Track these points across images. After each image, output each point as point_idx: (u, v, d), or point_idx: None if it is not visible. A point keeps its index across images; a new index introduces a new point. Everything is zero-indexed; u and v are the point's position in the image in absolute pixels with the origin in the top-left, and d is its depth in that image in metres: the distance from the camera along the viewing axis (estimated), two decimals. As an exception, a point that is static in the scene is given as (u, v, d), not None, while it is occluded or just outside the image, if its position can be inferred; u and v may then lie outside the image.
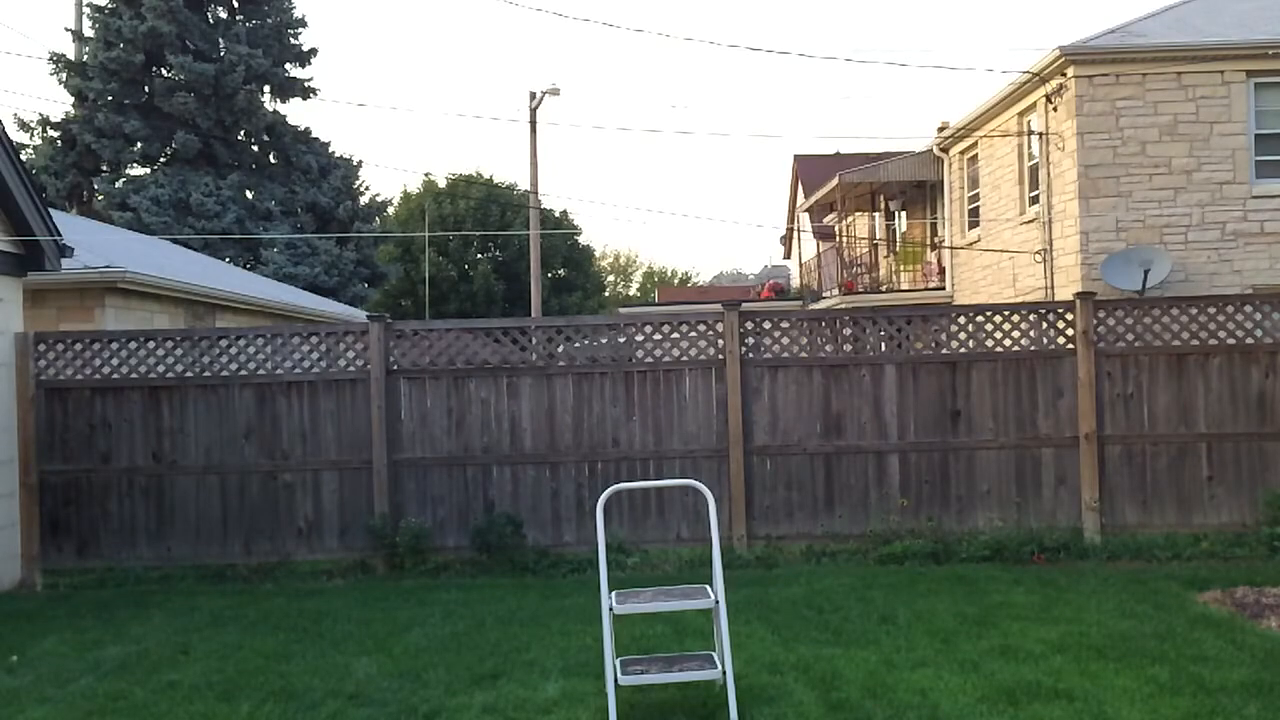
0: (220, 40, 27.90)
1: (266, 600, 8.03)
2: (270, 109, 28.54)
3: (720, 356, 9.09)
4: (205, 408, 9.11)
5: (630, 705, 5.15)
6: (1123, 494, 8.95)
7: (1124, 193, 14.67)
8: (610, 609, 5.05)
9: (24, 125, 27.44)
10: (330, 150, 29.75)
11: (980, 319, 9.21)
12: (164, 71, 27.27)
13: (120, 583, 8.80)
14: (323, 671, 5.96)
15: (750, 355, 9.11)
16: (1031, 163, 16.59)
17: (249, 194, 28.09)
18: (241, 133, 28.32)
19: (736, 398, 9.03)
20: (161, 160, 27.72)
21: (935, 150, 20.62)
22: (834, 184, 23.33)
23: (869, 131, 65.81)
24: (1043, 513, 8.95)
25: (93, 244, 12.48)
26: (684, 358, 9.14)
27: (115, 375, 9.12)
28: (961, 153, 19.71)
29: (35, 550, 9.03)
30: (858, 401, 9.08)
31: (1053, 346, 9.06)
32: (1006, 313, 9.23)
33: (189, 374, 9.14)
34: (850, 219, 26.53)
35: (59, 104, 37.37)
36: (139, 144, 27.18)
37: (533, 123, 23.63)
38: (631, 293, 65.47)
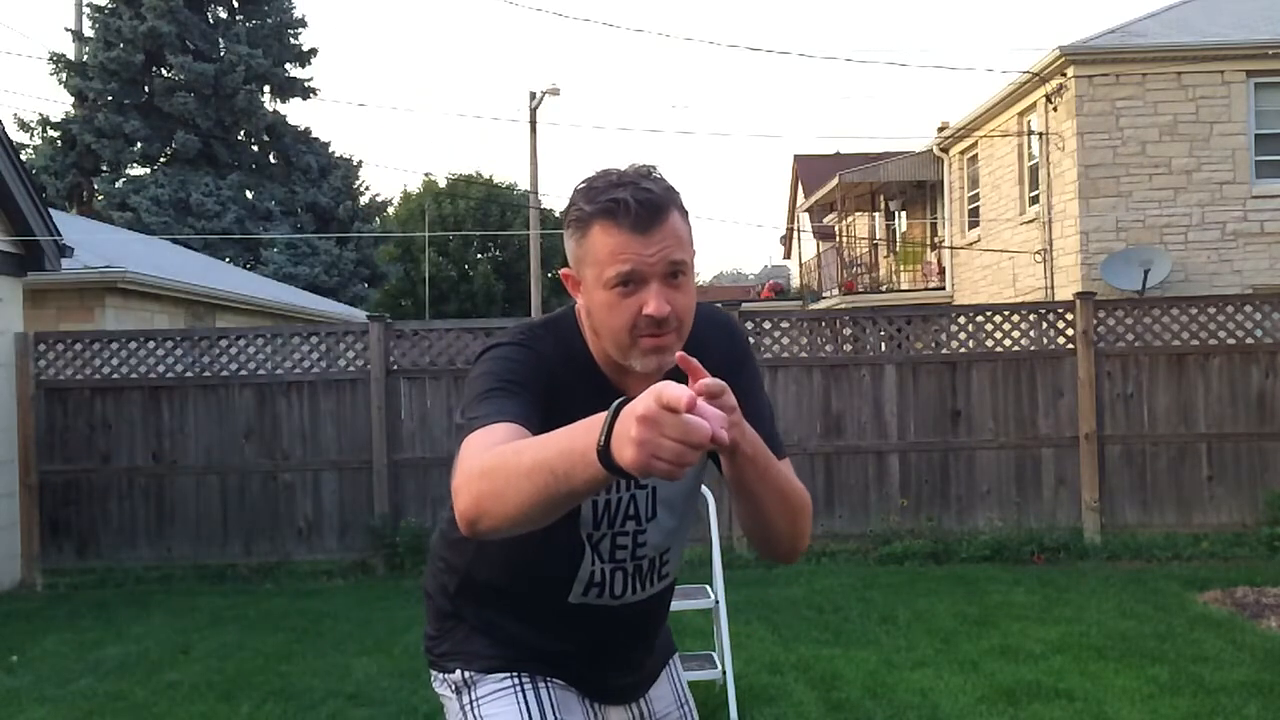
0: (220, 40, 27.89)
1: (266, 600, 8.03)
2: (270, 109, 28.53)
3: (720, 356, 9.07)
4: (205, 408, 9.11)
5: (630, 705, 5.15)
6: (1123, 494, 8.94)
7: (1124, 193, 14.66)
8: (610, 609, 5.04)
9: (24, 125, 27.42)
10: (330, 150, 29.74)
11: (980, 319, 9.21)
12: (164, 71, 27.26)
13: (120, 583, 8.80)
14: (323, 671, 5.96)
15: (750, 355, 9.09)
16: (1031, 163, 16.59)
17: (249, 194, 28.09)
18: (241, 133, 28.31)
19: (736, 398, 9.00)
20: (161, 160, 27.71)
21: (935, 150, 20.61)
22: (834, 184, 23.32)
23: (869, 131, 65.92)
24: (1043, 513, 8.95)
25: (93, 244, 12.48)
26: (684, 358, 9.11)
27: (115, 375, 9.11)
28: (961, 153, 19.71)
29: (35, 550, 9.03)
30: (858, 401, 9.08)
31: (1053, 346, 9.06)
32: (1006, 313, 9.23)
33: (189, 374, 9.13)
34: (850, 219, 26.53)
35: (59, 104, 37.40)
36: (139, 144, 27.16)
37: (533, 123, 23.62)
38: (632, 293, 65.36)
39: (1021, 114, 16.73)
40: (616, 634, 1.96)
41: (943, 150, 20.30)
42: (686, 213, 1.75)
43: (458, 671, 1.95)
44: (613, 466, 1.36)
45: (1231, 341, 8.96)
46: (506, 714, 1.88)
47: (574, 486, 1.42)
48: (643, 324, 1.68)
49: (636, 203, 1.67)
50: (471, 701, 1.92)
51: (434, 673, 2.01)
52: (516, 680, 1.91)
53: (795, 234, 35.17)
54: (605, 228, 1.68)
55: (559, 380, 1.76)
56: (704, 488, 5.65)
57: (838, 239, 25.90)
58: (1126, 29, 15.53)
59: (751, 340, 9.14)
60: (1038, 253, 15.98)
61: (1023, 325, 9.11)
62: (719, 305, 9.40)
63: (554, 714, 1.89)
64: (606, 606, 1.92)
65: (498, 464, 1.48)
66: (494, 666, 1.92)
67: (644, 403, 1.31)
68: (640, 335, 1.70)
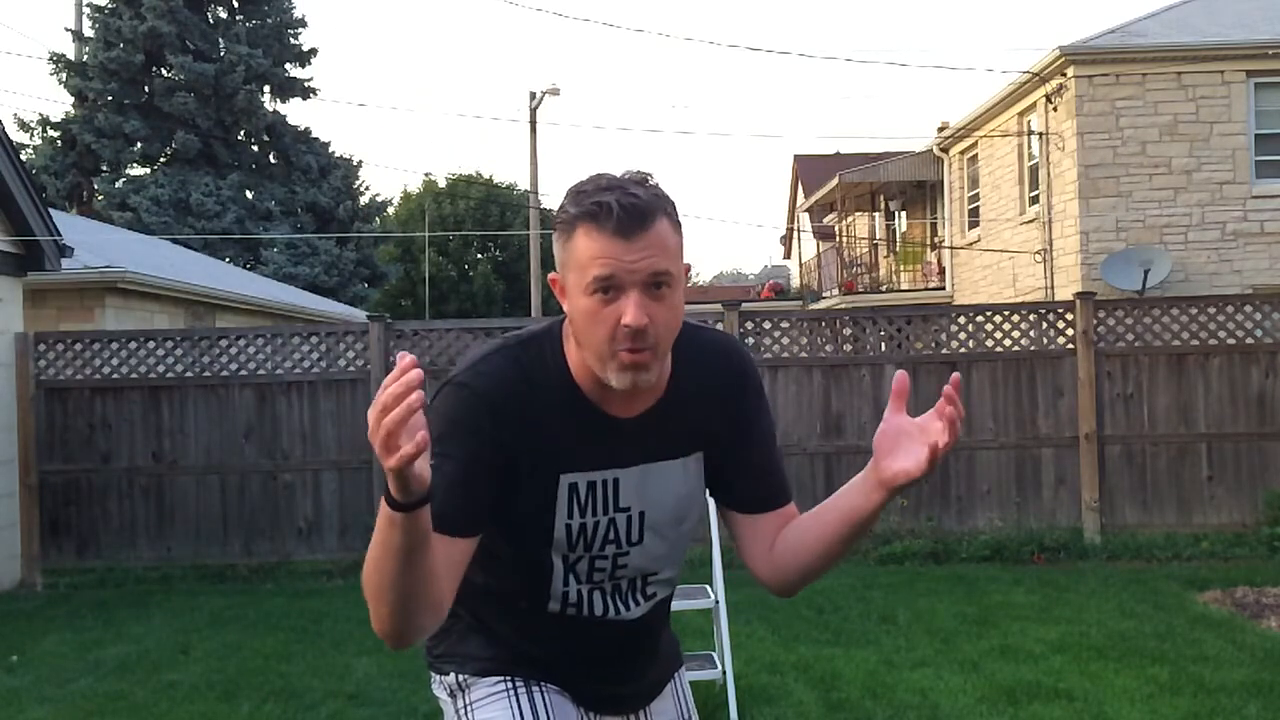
0: (220, 40, 27.85)
1: (266, 600, 8.03)
2: (270, 109, 28.50)
3: (720, 356, 9.06)
4: (205, 408, 9.11)
5: (630, 705, 5.14)
6: (1123, 494, 8.94)
7: (1124, 193, 14.66)
8: (610, 609, 5.04)
9: (24, 125, 27.39)
10: (330, 150, 29.69)
11: (980, 319, 9.21)
12: (164, 71, 27.24)
13: (120, 583, 8.80)
14: (323, 671, 5.96)
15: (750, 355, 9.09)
16: (1031, 163, 16.59)
17: (249, 194, 28.06)
18: (241, 133, 28.28)
19: (736, 398, 9.00)
20: (161, 160, 27.70)
21: (935, 150, 20.61)
22: (834, 184, 23.32)
23: (869, 131, 65.96)
24: (1043, 513, 8.95)
25: (93, 244, 12.48)
26: (684, 358, 9.11)
27: (115, 375, 9.11)
28: (961, 153, 19.71)
29: (35, 550, 9.03)
30: (858, 401, 9.08)
31: (1053, 346, 9.06)
32: (1006, 313, 9.23)
33: (189, 374, 9.14)
34: (850, 219, 26.53)
35: (59, 104, 37.43)
36: (139, 144, 27.14)
37: (533, 123, 23.63)
38: (631, 293, 65.31)
39: (1021, 114, 16.73)
40: (606, 646, 1.93)
41: (943, 150, 20.30)
42: (679, 224, 1.71)
43: (452, 674, 1.93)
44: (393, 502, 1.49)
45: (1231, 341, 8.96)
46: (500, 719, 1.86)
47: (396, 543, 1.53)
48: (621, 335, 1.64)
49: (620, 207, 1.63)
50: (466, 706, 1.90)
51: (432, 674, 2.00)
52: (510, 684, 1.89)
53: (795, 234, 35.18)
54: (588, 231, 1.65)
55: (524, 402, 1.74)
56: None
57: (838, 239, 25.90)
58: (1126, 29, 15.53)
59: (751, 340, 9.14)
60: (1038, 253, 15.98)
61: (1023, 325, 9.11)
62: (724, 306, 9.41)
63: (548, 719, 1.87)
64: (590, 620, 1.90)
65: (366, 575, 1.62)
66: (488, 669, 1.90)
67: None
68: (618, 348, 1.65)
